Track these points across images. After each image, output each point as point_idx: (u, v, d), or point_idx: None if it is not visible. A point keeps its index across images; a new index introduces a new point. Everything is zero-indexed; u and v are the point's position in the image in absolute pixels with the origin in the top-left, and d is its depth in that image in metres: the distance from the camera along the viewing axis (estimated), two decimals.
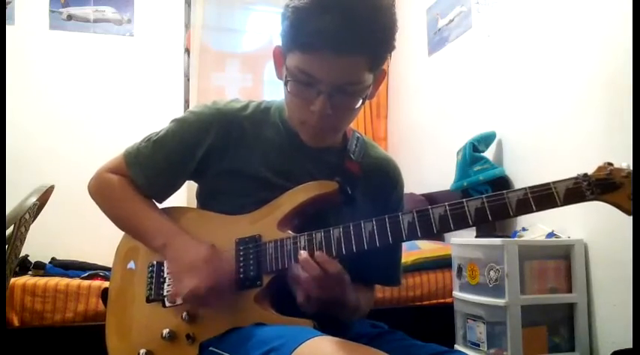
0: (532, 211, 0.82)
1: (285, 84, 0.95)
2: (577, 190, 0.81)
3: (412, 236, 0.87)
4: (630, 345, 1.63)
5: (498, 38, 2.60)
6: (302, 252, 0.90)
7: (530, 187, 0.82)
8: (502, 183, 2.40)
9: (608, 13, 1.95)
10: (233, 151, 1.04)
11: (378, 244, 0.88)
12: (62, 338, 2.19)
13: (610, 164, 0.83)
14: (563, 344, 1.98)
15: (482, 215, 0.83)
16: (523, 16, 2.42)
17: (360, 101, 0.96)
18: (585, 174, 0.82)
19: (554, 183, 0.82)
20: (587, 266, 1.99)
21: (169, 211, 1.08)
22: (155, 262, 1.03)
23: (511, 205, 0.82)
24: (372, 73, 0.95)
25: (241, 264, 0.97)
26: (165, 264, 1.02)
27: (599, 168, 0.83)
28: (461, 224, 0.85)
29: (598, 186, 0.81)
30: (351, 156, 1.08)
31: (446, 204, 0.86)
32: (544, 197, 0.81)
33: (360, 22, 0.87)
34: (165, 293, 1.00)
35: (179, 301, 0.97)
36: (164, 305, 0.99)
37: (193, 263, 0.95)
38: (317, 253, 0.89)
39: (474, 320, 2.05)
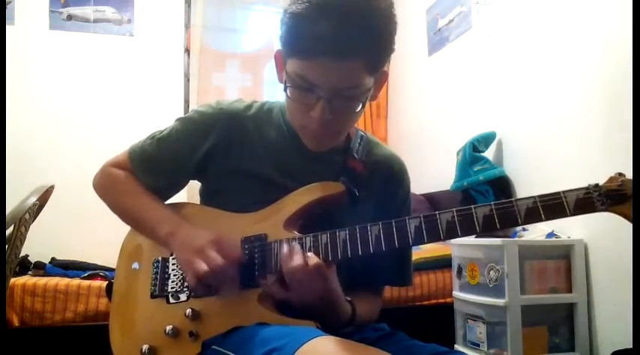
0: (541, 220, 0.80)
1: (285, 90, 0.95)
2: (587, 201, 0.79)
3: (419, 241, 0.86)
4: (630, 345, 1.63)
5: (498, 38, 2.60)
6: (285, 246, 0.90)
7: (539, 196, 0.80)
8: (502, 183, 2.40)
9: (607, 13, 1.95)
10: (237, 151, 1.04)
11: (384, 248, 0.87)
12: (62, 338, 2.19)
13: (621, 174, 0.81)
14: (563, 344, 1.98)
15: (490, 222, 0.82)
16: (523, 16, 2.42)
17: (361, 105, 0.95)
18: (596, 185, 0.79)
19: (564, 192, 0.79)
20: (587, 266, 1.99)
21: (174, 206, 1.08)
22: (160, 258, 1.03)
23: (520, 213, 0.80)
24: (372, 76, 0.94)
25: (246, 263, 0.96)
26: (169, 261, 1.02)
27: (611, 179, 0.80)
28: (468, 230, 0.83)
29: (609, 197, 0.78)
30: (355, 155, 1.07)
31: (454, 209, 0.84)
32: (554, 206, 0.79)
33: (356, 26, 0.86)
34: (169, 290, 1.00)
35: (183, 298, 0.98)
36: (168, 302, 0.99)
37: (201, 247, 0.94)
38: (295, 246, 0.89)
39: (474, 320, 2.05)
